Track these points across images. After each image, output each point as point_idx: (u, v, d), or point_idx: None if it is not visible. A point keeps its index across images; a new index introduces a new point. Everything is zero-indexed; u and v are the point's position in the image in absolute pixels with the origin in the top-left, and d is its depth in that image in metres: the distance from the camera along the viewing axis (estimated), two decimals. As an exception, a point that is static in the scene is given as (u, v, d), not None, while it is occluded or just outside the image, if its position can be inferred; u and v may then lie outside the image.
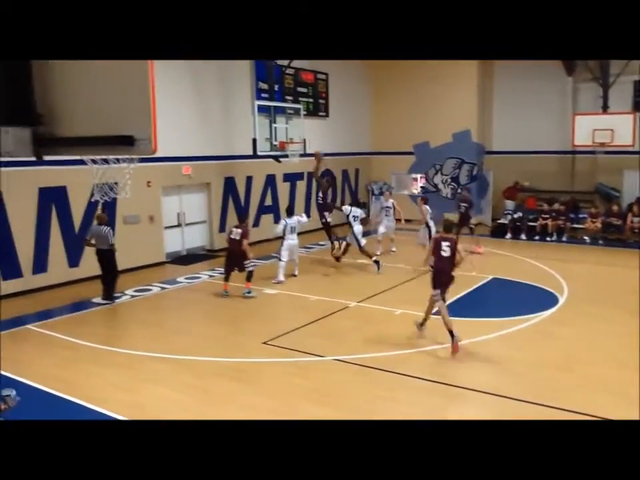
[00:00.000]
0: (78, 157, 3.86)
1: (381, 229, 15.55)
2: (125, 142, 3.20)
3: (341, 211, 14.28)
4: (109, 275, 11.31)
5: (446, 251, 8.58)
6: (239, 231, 11.53)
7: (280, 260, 12.62)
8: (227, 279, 11.71)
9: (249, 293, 11.42)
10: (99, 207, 12.43)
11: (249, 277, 11.48)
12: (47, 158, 3.81)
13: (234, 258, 11.55)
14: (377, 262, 13.36)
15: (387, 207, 15.66)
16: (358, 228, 13.61)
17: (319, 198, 15.47)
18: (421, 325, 9.05)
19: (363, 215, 14.25)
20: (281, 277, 12.53)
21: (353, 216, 13.77)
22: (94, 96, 3.40)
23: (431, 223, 14.29)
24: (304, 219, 13.65)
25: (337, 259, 14.04)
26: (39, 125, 3.52)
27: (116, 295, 11.44)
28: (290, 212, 13.37)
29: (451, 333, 8.26)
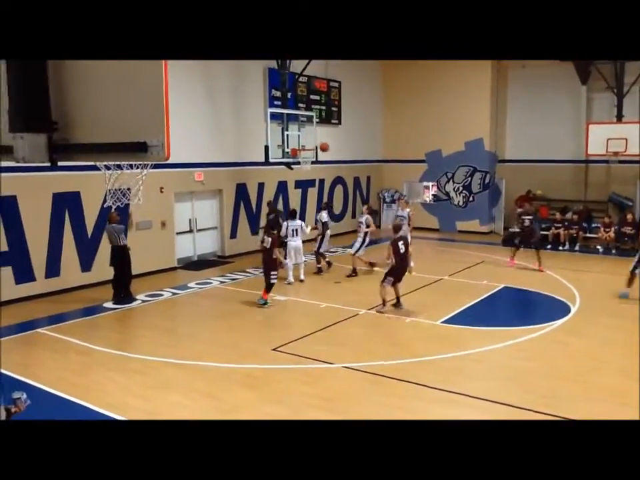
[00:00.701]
0: (91, 163, 3.90)
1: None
2: (138, 148, 3.23)
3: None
4: (123, 275, 11.62)
5: (402, 249, 10.75)
6: (269, 239, 11.43)
7: (284, 261, 12.80)
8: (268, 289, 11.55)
9: (264, 303, 11.28)
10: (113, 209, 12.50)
11: (269, 287, 11.38)
12: (61, 164, 3.86)
13: (264, 266, 11.47)
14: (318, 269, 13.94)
15: (402, 216, 14.70)
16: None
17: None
18: (396, 305, 10.93)
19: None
20: (290, 278, 12.77)
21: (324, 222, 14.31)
22: (108, 102, 3.44)
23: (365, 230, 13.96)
24: (307, 229, 13.65)
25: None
26: (54, 131, 3.57)
27: (130, 297, 11.74)
28: (292, 215, 13.70)
29: (383, 301, 10.77)
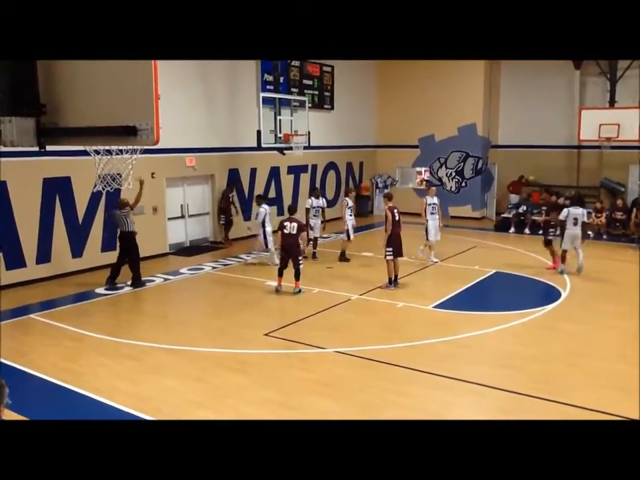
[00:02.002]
0: (81, 148, 3.87)
1: (431, 233, 13.53)
2: (127, 132, 3.22)
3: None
4: (129, 259, 11.68)
5: (397, 216, 11.27)
6: (294, 224, 11.09)
7: (266, 247, 13.23)
8: (281, 274, 11.28)
9: (299, 291, 11.12)
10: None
11: (298, 274, 11.15)
12: (51, 148, 3.82)
13: (290, 253, 11.15)
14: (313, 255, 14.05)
15: (434, 204, 13.66)
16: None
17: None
18: (389, 283, 11.33)
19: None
20: (276, 260, 12.39)
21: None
22: (97, 87, 3.40)
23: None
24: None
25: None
26: (42, 115, 3.53)
27: (140, 281, 11.79)
28: (265, 199, 14.04)
29: (395, 277, 11.39)
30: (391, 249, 11.20)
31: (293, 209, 11.91)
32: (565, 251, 12.45)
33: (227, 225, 16.00)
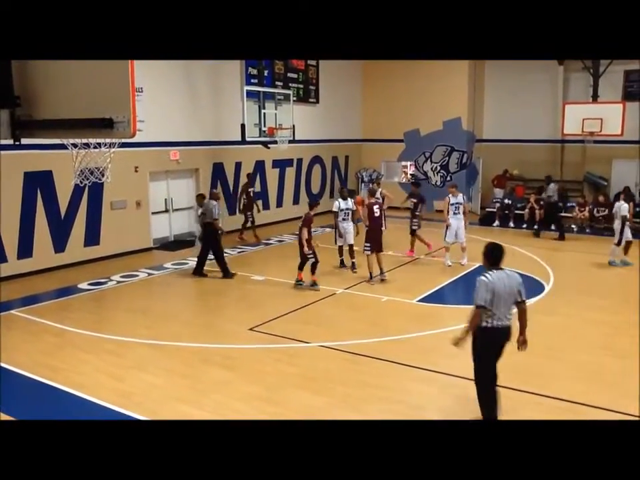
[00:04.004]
0: (58, 141, 3.80)
1: (451, 234, 12.77)
2: (104, 124, 3.16)
3: None
4: (214, 252, 12.00)
5: (377, 212, 11.24)
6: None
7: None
8: (300, 268, 11.23)
9: (298, 282, 11.17)
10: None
11: (314, 268, 11.08)
12: (31, 141, 3.75)
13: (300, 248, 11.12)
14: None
15: (457, 204, 12.89)
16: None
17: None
18: (370, 278, 11.23)
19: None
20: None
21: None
22: (72, 79, 3.34)
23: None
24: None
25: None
26: (17, 107, 3.46)
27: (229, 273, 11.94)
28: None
29: (381, 271, 11.32)
30: (369, 244, 11.23)
31: (313, 204, 11.34)
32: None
33: (253, 223, 15.87)
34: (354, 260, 12.23)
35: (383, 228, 11.63)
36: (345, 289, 10.98)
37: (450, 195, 13.00)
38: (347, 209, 12.31)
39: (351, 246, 12.31)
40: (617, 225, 12.54)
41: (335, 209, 12.25)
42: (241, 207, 16.16)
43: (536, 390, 6.66)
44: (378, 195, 13.67)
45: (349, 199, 12.47)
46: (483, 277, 5.56)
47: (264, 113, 15.45)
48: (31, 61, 3.43)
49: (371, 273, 11.32)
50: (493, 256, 5.68)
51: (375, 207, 11.35)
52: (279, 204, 18.96)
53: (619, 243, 12.53)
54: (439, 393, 6.86)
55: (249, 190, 16.02)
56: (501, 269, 5.65)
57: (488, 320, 5.51)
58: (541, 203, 17.96)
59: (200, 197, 12.37)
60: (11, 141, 3.65)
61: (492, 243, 5.84)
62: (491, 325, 5.53)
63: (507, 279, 5.57)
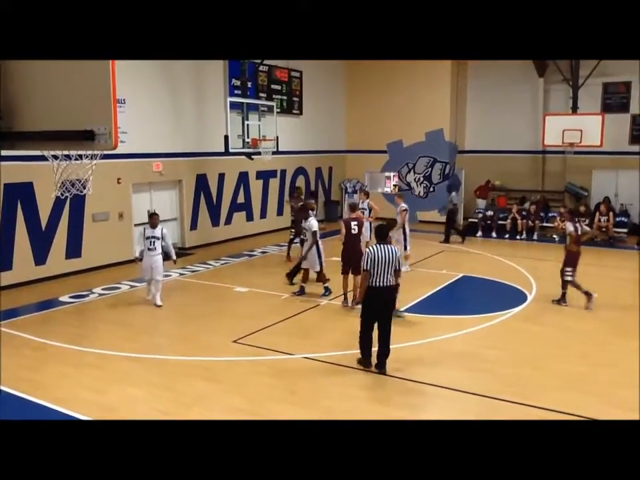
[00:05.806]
0: (39, 153, 3.76)
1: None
2: (85, 137, 3.13)
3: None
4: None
5: (355, 229, 10.40)
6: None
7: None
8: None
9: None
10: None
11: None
12: (11, 153, 3.71)
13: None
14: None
15: (363, 209, 13.28)
16: None
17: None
18: (344, 299, 10.53)
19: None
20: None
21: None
22: (53, 90, 3.30)
23: None
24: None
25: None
26: (-4, 119, 3.42)
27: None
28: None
29: (344, 294, 10.49)
30: (342, 264, 10.35)
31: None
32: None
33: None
34: (326, 284, 11.26)
35: (362, 245, 10.56)
36: (330, 300, 10.95)
37: (360, 201, 13.80)
38: (363, 208, 12.75)
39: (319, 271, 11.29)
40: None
41: (315, 228, 11.08)
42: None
43: (528, 402, 6.65)
44: (365, 205, 13.87)
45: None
46: (368, 249, 7.42)
47: (247, 124, 15.45)
48: (10, 71, 3.39)
49: (344, 294, 10.49)
50: (379, 234, 7.59)
51: (353, 223, 10.32)
52: (263, 215, 18.92)
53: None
54: (425, 404, 6.86)
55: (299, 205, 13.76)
56: (385, 243, 7.45)
57: (371, 280, 7.26)
58: (523, 213, 18.14)
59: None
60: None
61: (380, 224, 7.86)
62: (373, 284, 7.28)
63: (387, 251, 7.30)
